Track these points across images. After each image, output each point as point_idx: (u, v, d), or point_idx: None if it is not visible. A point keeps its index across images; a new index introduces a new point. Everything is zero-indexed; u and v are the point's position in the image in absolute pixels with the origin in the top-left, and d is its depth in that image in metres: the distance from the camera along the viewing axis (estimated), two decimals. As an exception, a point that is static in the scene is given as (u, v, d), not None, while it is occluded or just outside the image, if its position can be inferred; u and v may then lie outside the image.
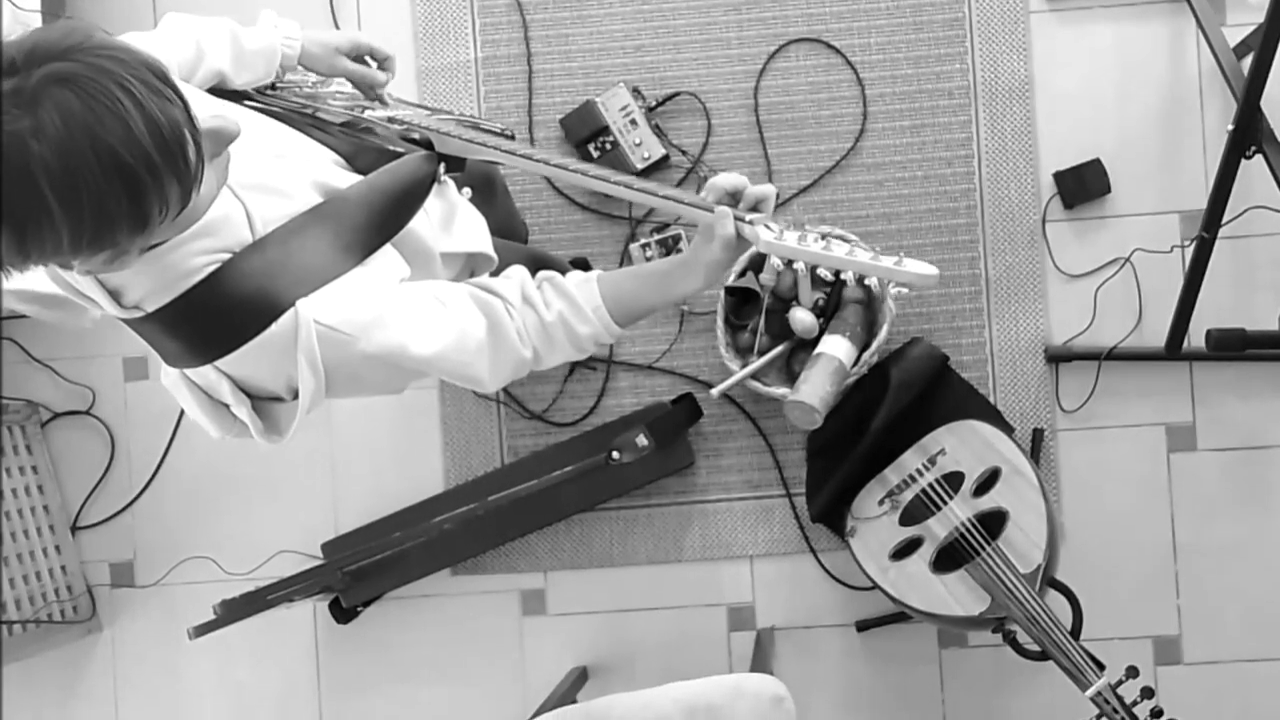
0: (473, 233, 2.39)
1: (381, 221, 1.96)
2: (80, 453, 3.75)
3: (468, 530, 3.33)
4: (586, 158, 3.53)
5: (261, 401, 1.91)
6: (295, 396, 1.83)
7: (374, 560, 3.35)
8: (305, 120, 2.18)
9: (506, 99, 3.62)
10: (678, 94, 3.57)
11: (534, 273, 2.14)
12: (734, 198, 2.03)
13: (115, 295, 1.72)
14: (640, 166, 3.50)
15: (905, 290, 1.93)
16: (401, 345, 1.85)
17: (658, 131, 3.53)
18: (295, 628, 3.69)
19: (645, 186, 2.07)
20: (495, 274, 2.15)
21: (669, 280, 2.09)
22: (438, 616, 3.66)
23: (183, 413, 3.59)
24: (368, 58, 2.41)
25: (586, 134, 3.52)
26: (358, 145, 2.14)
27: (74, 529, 3.74)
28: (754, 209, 2.01)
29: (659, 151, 3.50)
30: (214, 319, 1.74)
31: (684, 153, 3.56)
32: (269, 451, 3.58)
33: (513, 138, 2.45)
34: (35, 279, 1.80)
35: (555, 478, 3.12)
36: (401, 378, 2.00)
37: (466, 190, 2.44)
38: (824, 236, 1.93)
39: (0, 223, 1.37)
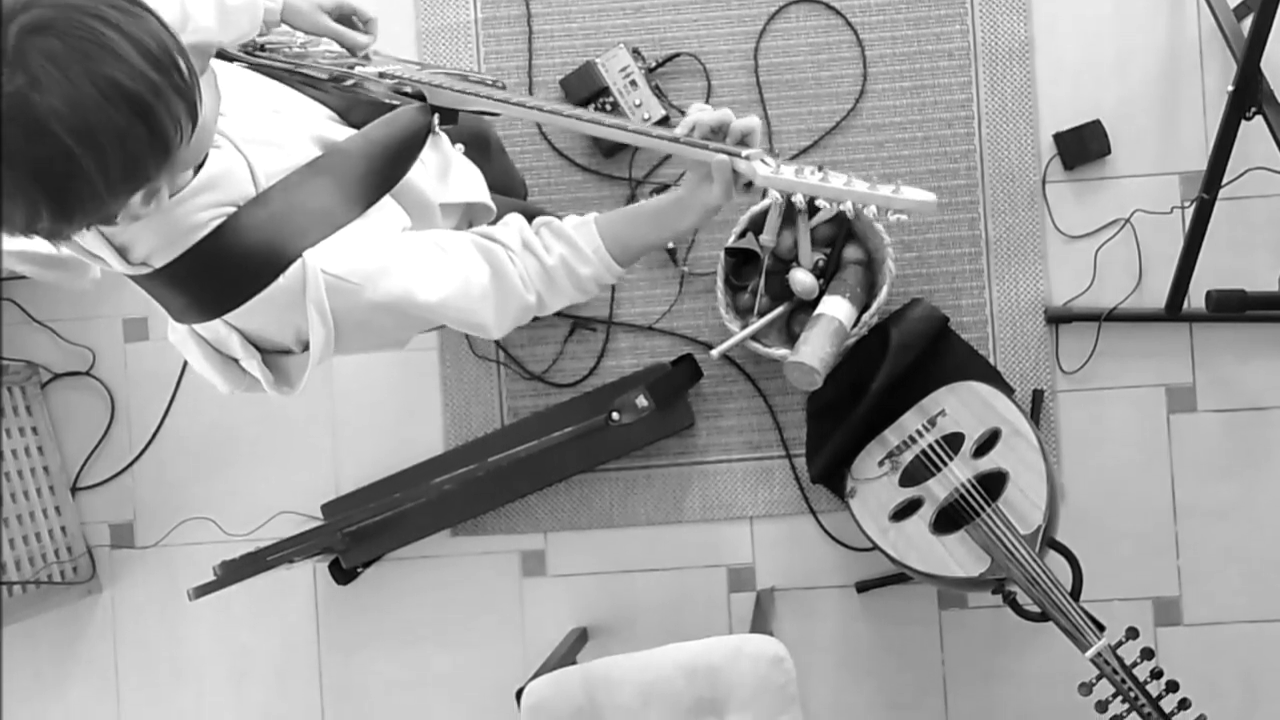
0: (470, 183, 2.42)
1: (380, 172, 1.97)
2: (80, 413, 3.75)
3: (468, 491, 3.33)
4: (587, 118, 3.53)
5: (271, 355, 1.92)
6: (305, 348, 1.85)
7: (374, 521, 3.35)
8: (296, 79, 2.18)
9: (506, 60, 3.61)
10: (678, 55, 3.56)
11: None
12: (718, 132, 2.03)
13: (122, 252, 1.73)
14: (640, 128, 3.50)
15: (904, 217, 1.93)
16: (408, 292, 1.87)
17: (658, 92, 3.52)
18: (295, 589, 3.70)
19: (639, 128, 2.08)
20: (493, 224, 2.16)
21: (665, 218, 2.12)
22: (438, 577, 3.67)
23: (183, 374, 3.62)
24: (353, 18, 2.41)
25: (587, 95, 3.51)
26: (351, 100, 2.15)
27: (74, 490, 3.74)
28: (741, 143, 2.02)
29: (659, 113, 3.50)
30: (222, 273, 1.75)
31: (684, 114, 3.53)
32: (269, 412, 3.60)
33: (503, 89, 2.45)
34: (35, 240, 1.80)
35: (555, 439, 3.12)
36: (408, 326, 2.03)
37: (460, 146, 2.45)
38: (820, 168, 1.93)
39: (37, 188, 1.38)
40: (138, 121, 1.42)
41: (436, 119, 2.21)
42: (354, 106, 2.13)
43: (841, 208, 1.92)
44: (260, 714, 3.73)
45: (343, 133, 2.02)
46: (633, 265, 2.18)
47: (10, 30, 1.35)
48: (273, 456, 3.70)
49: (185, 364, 3.67)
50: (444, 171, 2.32)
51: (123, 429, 3.75)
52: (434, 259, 1.95)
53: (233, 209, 1.74)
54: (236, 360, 1.95)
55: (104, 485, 3.75)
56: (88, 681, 3.76)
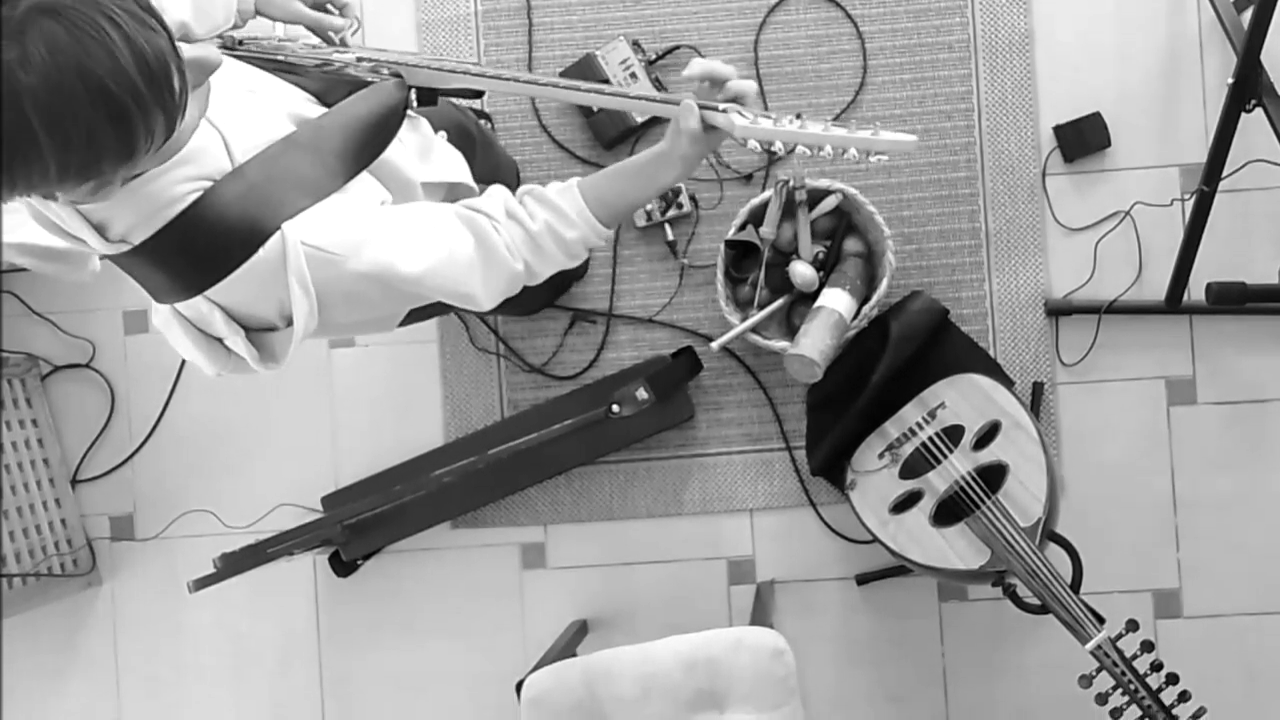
0: (452, 164, 2.43)
1: (358, 146, 1.98)
2: (80, 406, 3.76)
3: (468, 483, 3.34)
4: (587, 111, 3.53)
5: (256, 332, 1.92)
6: (289, 323, 1.85)
7: (374, 513, 3.36)
8: (274, 67, 2.19)
9: (506, 52, 3.61)
10: (678, 47, 3.56)
11: None
12: (715, 85, 2.04)
13: (101, 230, 1.73)
14: (640, 120, 3.50)
15: (884, 158, 1.95)
16: (390, 263, 1.88)
17: (658, 85, 3.52)
18: (295, 581, 3.70)
19: (615, 90, 2.12)
20: None
21: (647, 174, 2.12)
22: (437, 570, 3.67)
23: (183, 366, 3.63)
24: (329, 5, 2.41)
25: (587, 88, 3.51)
26: (329, 83, 2.16)
27: (74, 482, 3.74)
28: (735, 102, 2.03)
29: (659, 105, 3.49)
30: (201, 246, 1.76)
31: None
32: (269, 405, 3.60)
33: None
34: (36, 231, 1.80)
35: (555, 431, 3.13)
36: (395, 299, 2.02)
37: (443, 133, 2.46)
38: (798, 116, 1.95)
39: None
40: (109, 125, 1.42)
41: (414, 95, 2.21)
42: (332, 88, 2.14)
43: (822, 152, 1.94)
44: (260, 706, 3.73)
45: (319, 112, 2.03)
46: (618, 225, 2.18)
47: (23, 3, 1.36)
48: (273, 449, 3.70)
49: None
50: (425, 152, 2.34)
51: (123, 421, 3.75)
52: (416, 230, 1.96)
53: (209, 183, 1.74)
54: (221, 340, 1.95)
55: (104, 478, 3.75)
56: (88, 674, 3.76)
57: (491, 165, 3.09)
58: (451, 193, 2.39)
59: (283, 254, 1.76)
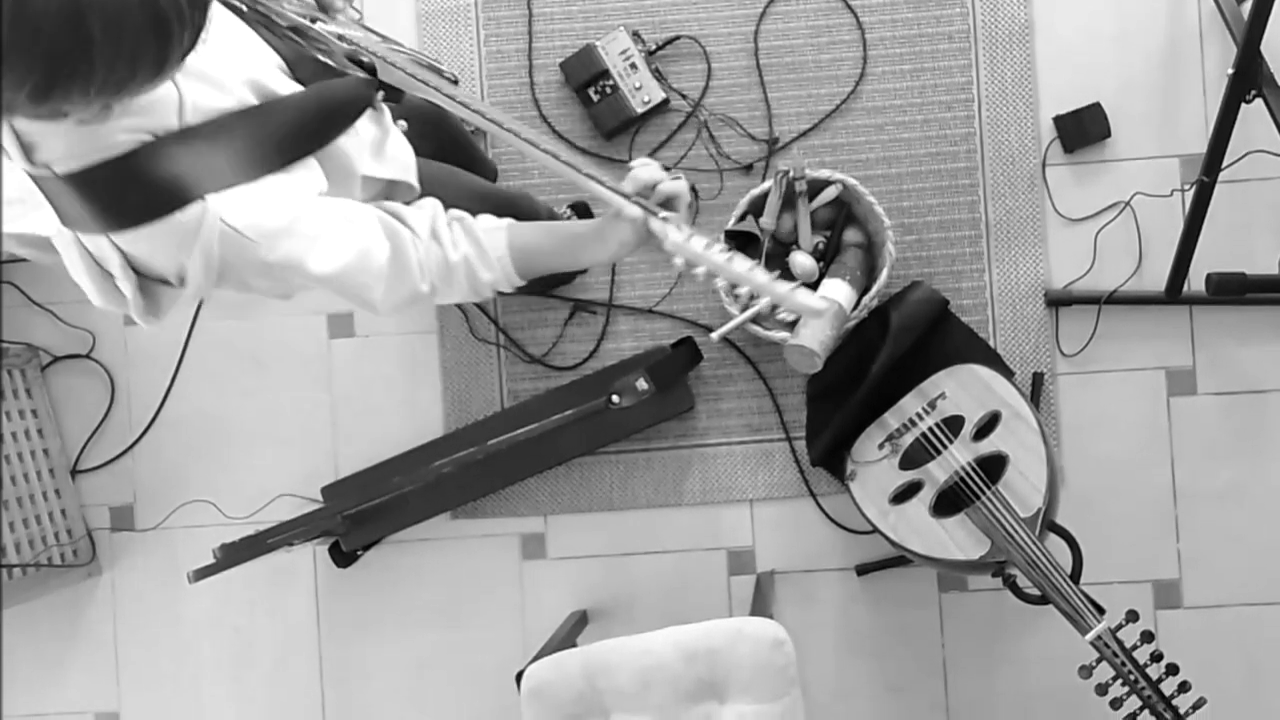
0: (401, 162, 2.40)
1: (309, 134, 1.96)
2: (80, 396, 3.75)
3: (467, 474, 3.33)
4: (587, 102, 3.52)
5: (149, 280, 1.90)
6: (183, 284, 1.82)
7: (374, 504, 3.36)
8: (254, 17, 2.17)
9: (506, 43, 3.61)
10: (678, 38, 3.56)
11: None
12: (651, 189, 2.04)
13: (27, 150, 1.70)
14: (640, 110, 3.49)
15: (789, 316, 1.96)
16: (301, 259, 1.86)
17: (658, 75, 3.52)
18: (295, 572, 3.70)
19: (571, 161, 2.07)
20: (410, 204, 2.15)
21: (577, 245, 2.12)
22: (437, 560, 3.67)
23: (183, 357, 3.61)
24: None
25: (586, 78, 3.51)
26: (300, 53, 2.13)
27: (74, 472, 3.74)
28: (668, 205, 2.03)
29: (659, 95, 3.49)
30: (121, 195, 1.72)
31: (684, 96, 3.55)
32: (270, 396, 3.60)
33: (456, 83, 2.44)
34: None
35: (555, 421, 3.12)
36: (293, 287, 1.98)
37: (402, 123, 2.44)
38: (729, 248, 1.94)
39: (39, 65, 1.36)
40: (153, 38, 1.41)
41: (381, 94, 2.20)
42: (301, 60, 2.10)
43: (736, 290, 1.94)
44: (260, 696, 3.74)
45: (285, 85, 2.00)
46: (532, 279, 2.18)
47: None
48: (272, 439, 3.70)
49: (185, 347, 3.67)
50: (379, 146, 2.30)
51: (123, 412, 3.75)
52: (336, 231, 1.94)
53: (150, 138, 1.71)
54: (113, 277, 1.93)
55: (104, 468, 3.75)
56: (88, 664, 3.76)
57: (467, 157, 3.07)
58: (390, 187, 2.38)
59: (199, 225, 1.74)
